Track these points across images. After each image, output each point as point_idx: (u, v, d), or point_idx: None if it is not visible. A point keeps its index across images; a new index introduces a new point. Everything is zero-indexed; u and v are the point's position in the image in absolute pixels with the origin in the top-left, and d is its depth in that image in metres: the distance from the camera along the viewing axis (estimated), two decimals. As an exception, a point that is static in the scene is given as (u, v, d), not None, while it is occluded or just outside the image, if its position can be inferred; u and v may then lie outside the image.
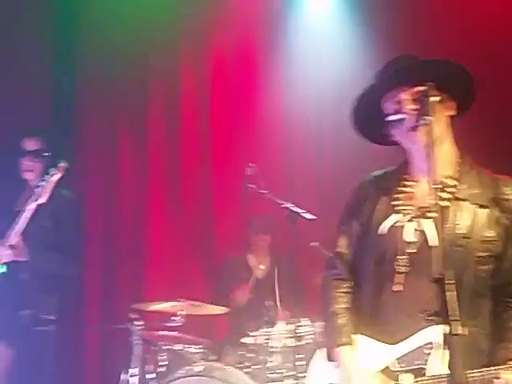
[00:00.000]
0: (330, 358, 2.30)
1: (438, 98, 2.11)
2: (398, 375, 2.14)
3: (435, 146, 2.01)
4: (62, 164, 3.64)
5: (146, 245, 5.79)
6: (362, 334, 2.29)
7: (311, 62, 5.90)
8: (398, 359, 2.16)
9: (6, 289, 3.72)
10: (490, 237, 2.16)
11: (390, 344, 2.20)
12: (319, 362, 2.37)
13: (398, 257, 2.20)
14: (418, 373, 2.10)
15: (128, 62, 5.88)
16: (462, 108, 2.30)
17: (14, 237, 3.62)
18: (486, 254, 2.16)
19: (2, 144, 4.44)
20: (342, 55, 5.81)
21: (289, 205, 4.13)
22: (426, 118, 2.02)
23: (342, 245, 2.41)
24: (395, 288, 2.18)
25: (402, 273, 2.19)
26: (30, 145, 3.91)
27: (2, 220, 3.72)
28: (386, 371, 2.18)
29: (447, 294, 1.76)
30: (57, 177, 3.59)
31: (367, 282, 2.29)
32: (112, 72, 5.86)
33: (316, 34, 5.99)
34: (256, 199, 4.45)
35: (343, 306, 2.34)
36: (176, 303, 4.29)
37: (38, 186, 3.61)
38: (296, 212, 4.10)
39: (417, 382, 2.10)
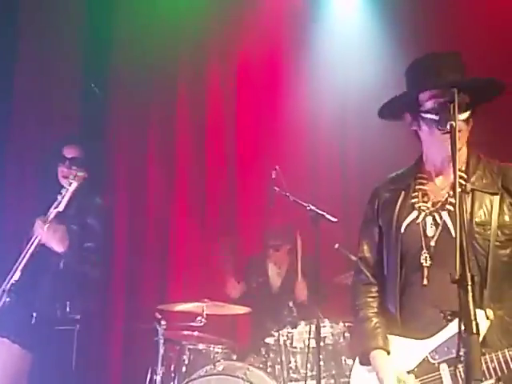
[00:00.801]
0: (363, 362, 2.38)
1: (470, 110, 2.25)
2: (438, 366, 2.21)
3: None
4: (80, 174, 3.67)
5: (171, 246, 5.86)
6: (392, 334, 2.35)
7: (337, 64, 5.90)
8: (433, 351, 2.22)
9: (27, 285, 3.76)
10: (506, 221, 2.25)
11: (422, 339, 2.25)
12: (360, 367, 2.43)
13: (422, 252, 2.28)
14: (457, 361, 2.11)
15: (156, 67, 5.97)
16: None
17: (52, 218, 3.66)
18: (505, 238, 2.25)
19: (44, 149, 4.54)
20: (368, 57, 5.79)
21: (313, 207, 4.15)
22: (453, 123, 2.05)
23: (364, 249, 2.50)
24: (423, 282, 2.26)
25: (426, 267, 2.27)
26: (68, 152, 3.98)
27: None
28: (424, 364, 2.24)
29: (466, 295, 1.80)
30: (74, 186, 3.62)
31: (392, 282, 2.36)
32: (141, 78, 5.96)
33: (342, 35, 5.99)
34: (281, 201, 4.48)
35: (373, 310, 2.42)
36: (199, 303, 4.35)
37: (60, 194, 3.65)
38: (320, 214, 4.12)
39: (451, 370, 2.17)
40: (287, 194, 4.36)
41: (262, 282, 5.16)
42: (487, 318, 2.10)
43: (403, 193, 2.42)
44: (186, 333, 4.38)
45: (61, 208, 3.61)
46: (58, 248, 3.70)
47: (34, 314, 3.65)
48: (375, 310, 2.42)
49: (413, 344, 2.28)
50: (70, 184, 3.60)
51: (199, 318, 4.33)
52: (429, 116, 2.29)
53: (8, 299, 3.70)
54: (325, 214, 4.11)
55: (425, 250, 2.28)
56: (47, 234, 3.65)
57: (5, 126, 5.60)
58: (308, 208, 4.15)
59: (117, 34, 6.07)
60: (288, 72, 5.99)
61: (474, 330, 1.73)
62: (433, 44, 5.31)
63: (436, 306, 2.20)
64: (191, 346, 4.36)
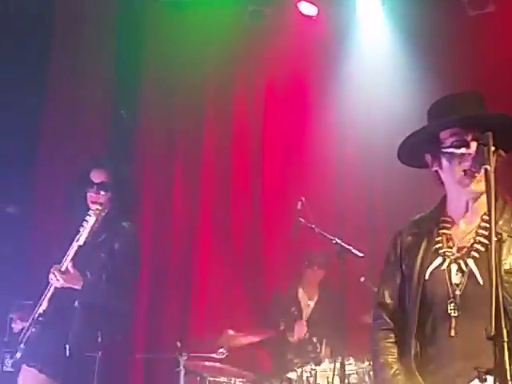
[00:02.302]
0: None
1: (494, 149, 2.06)
2: None
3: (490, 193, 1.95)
4: (97, 207, 3.69)
5: (195, 276, 5.82)
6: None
7: (364, 94, 5.88)
8: None
9: (56, 315, 3.74)
10: None
11: None
12: None
13: (449, 301, 2.17)
14: None
15: (184, 96, 6.02)
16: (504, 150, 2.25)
17: (66, 264, 3.66)
18: None
19: (72, 173, 4.54)
20: (395, 87, 5.76)
21: (339, 240, 4.10)
22: (485, 166, 1.97)
23: (385, 294, 2.39)
24: (450, 333, 2.14)
25: (453, 317, 2.15)
26: (96, 176, 3.90)
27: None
28: None
29: (501, 352, 1.71)
30: (92, 220, 3.63)
31: (410, 331, 2.25)
32: (168, 105, 6.02)
33: (370, 66, 5.98)
34: (306, 234, 4.43)
35: (393, 356, 2.31)
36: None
37: (81, 227, 3.65)
38: (346, 248, 4.06)
39: None
40: (313, 225, 4.31)
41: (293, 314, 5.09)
42: None
43: (428, 237, 2.31)
44: (207, 363, 4.33)
45: (81, 242, 3.62)
46: (75, 286, 3.70)
47: (68, 346, 3.60)
48: (395, 355, 2.30)
49: None
50: (90, 217, 3.62)
51: (221, 349, 4.28)
52: (451, 150, 2.20)
53: (34, 329, 3.69)
54: (351, 248, 4.05)
55: (452, 299, 2.17)
56: (60, 282, 3.65)
57: (32, 149, 5.65)
58: (334, 242, 4.10)
59: (146, 64, 6.14)
60: (315, 103, 5.98)
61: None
62: (460, 77, 5.30)
63: (465, 358, 2.11)
64: (212, 378, 4.30)
